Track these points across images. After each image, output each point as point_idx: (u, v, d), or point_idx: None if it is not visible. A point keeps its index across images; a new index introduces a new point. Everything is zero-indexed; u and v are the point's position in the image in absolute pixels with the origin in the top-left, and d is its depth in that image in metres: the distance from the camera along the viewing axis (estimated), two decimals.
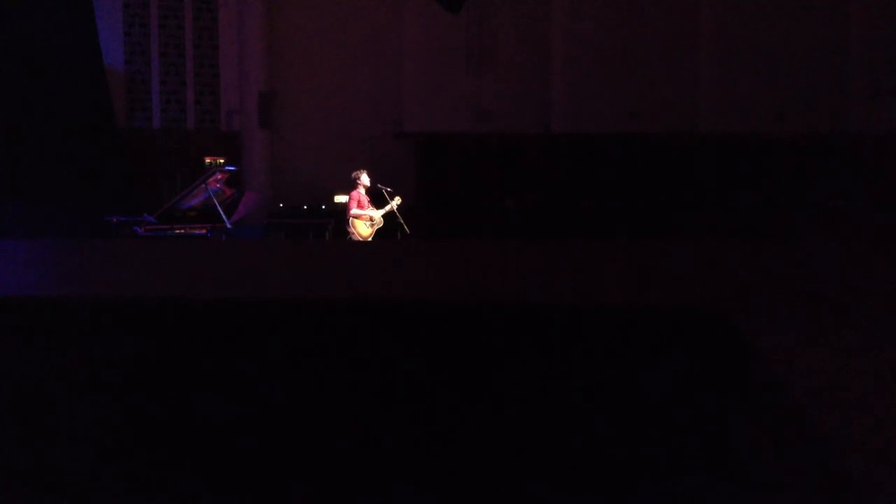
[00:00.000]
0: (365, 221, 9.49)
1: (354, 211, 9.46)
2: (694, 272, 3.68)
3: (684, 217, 12.14)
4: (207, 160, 13.40)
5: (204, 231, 8.58)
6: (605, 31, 13.85)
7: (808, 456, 1.75)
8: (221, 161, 13.17)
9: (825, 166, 13.16)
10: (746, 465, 2.18)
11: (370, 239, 9.54)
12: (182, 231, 8.56)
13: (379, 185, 9.65)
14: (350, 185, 9.70)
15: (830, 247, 5.39)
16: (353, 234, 9.51)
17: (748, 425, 2.20)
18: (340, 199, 12.34)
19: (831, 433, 1.68)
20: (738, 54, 13.57)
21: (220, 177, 8.94)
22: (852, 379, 1.92)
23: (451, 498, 2.51)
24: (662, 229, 11.77)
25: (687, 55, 13.82)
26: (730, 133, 13.47)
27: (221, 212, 8.58)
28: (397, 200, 9.56)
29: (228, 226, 8.61)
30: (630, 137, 13.69)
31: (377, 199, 9.70)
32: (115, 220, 8.55)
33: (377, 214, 9.52)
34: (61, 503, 2.62)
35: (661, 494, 2.37)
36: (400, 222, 9.61)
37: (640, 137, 13.66)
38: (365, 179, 9.57)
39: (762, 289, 3.02)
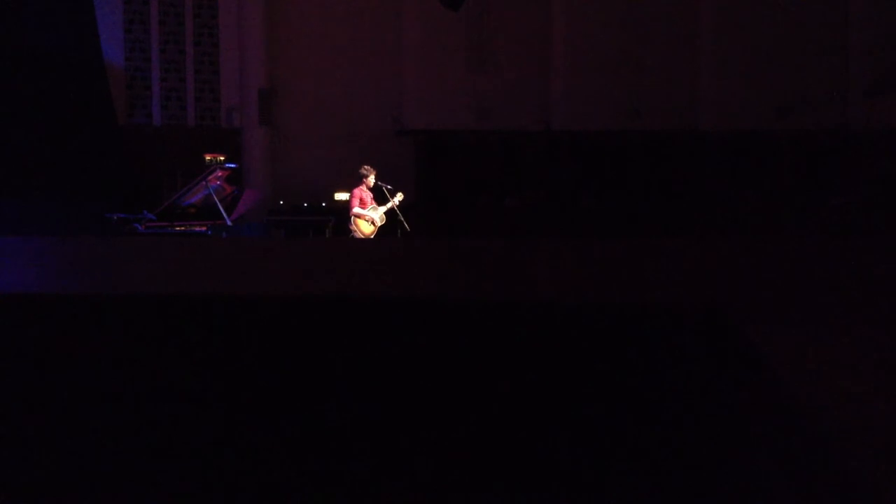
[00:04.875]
0: (366, 221, 9.48)
1: (357, 210, 9.45)
2: (694, 270, 3.68)
3: (685, 215, 12.14)
4: (207, 157, 13.39)
5: (204, 228, 8.59)
6: (605, 29, 13.85)
7: (808, 456, 1.75)
8: (221, 158, 13.16)
9: (825, 164, 13.16)
10: (746, 464, 2.18)
11: (371, 236, 9.53)
12: (182, 228, 8.57)
13: (380, 183, 9.65)
14: (353, 181, 9.68)
15: (831, 245, 5.38)
16: (355, 232, 9.50)
17: (748, 424, 2.20)
18: (341, 196, 12.33)
19: (831, 433, 1.68)
20: (739, 52, 13.57)
21: (220, 174, 8.95)
22: (852, 379, 1.92)
23: (450, 498, 2.51)
24: (663, 227, 11.77)
25: (687, 53, 13.82)
26: (730, 131, 13.48)
27: (222, 209, 8.59)
28: (399, 197, 9.55)
29: (229, 223, 8.62)
30: (630, 135, 13.69)
31: (378, 197, 9.70)
32: (115, 217, 8.56)
33: (379, 214, 9.51)
34: (61, 503, 2.62)
35: (660, 494, 2.37)
36: (400, 219, 9.60)
37: (640, 135, 13.66)
38: (371, 179, 9.56)
39: (762, 287, 3.02)
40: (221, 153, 13.55)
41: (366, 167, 9.62)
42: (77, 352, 2.73)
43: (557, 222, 12.55)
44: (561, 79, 13.96)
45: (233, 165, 9.97)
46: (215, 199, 8.59)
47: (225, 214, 8.60)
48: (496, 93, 14.01)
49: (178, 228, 8.54)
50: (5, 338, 2.73)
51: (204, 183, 8.63)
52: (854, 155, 13.04)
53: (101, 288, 3.09)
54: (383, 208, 9.53)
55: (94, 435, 2.67)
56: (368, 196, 9.57)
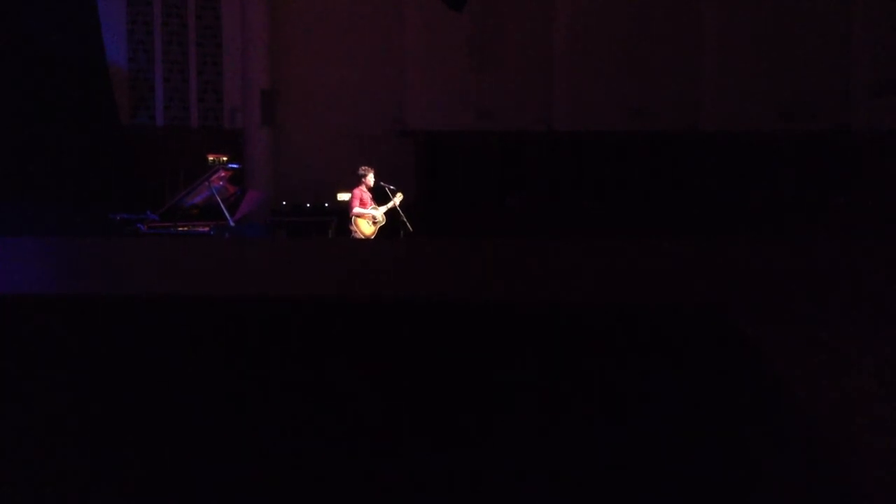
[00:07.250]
0: (367, 220, 9.49)
1: (357, 210, 9.45)
2: (696, 270, 3.68)
3: (686, 215, 12.13)
4: (210, 158, 13.41)
5: (207, 229, 8.60)
6: (608, 29, 13.84)
7: (809, 456, 1.76)
8: (224, 159, 13.18)
9: (828, 164, 13.15)
10: (746, 464, 2.18)
11: (372, 237, 9.54)
12: (185, 229, 8.58)
13: (381, 183, 9.66)
14: (353, 182, 9.70)
15: (832, 245, 5.38)
16: (356, 232, 9.51)
17: (748, 424, 2.20)
18: (343, 196, 12.34)
19: (832, 433, 1.68)
20: (741, 52, 13.55)
21: (223, 174, 8.96)
22: (852, 379, 1.92)
23: (451, 498, 2.51)
24: (664, 227, 11.76)
25: (690, 53, 13.80)
26: (732, 131, 13.46)
27: (224, 209, 8.60)
28: (399, 197, 9.56)
29: (231, 223, 8.63)
30: (633, 136, 13.68)
31: (379, 197, 9.70)
32: (118, 217, 8.58)
33: (379, 214, 9.51)
34: (61, 503, 2.63)
35: (660, 494, 2.38)
36: (402, 220, 9.61)
37: (642, 136, 13.65)
38: (370, 179, 9.57)
39: (762, 287, 3.03)
40: (224, 153, 13.57)
41: (363, 167, 9.64)
42: (79, 352, 2.74)
43: (558, 222, 12.55)
44: (563, 79, 13.96)
45: (236, 166, 9.98)
46: (218, 199, 8.60)
47: (228, 215, 8.61)
48: (498, 93, 14.00)
49: (181, 229, 8.55)
50: (7, 338, 2.74)
51: (207, 183, 8.65)
52: (856, 156, 13.02)
53: (104, 288, 3.10)
54: (384, 208, 9.54)
55: (95, 435, 2.68)
56: (368, 196, 9.59)
